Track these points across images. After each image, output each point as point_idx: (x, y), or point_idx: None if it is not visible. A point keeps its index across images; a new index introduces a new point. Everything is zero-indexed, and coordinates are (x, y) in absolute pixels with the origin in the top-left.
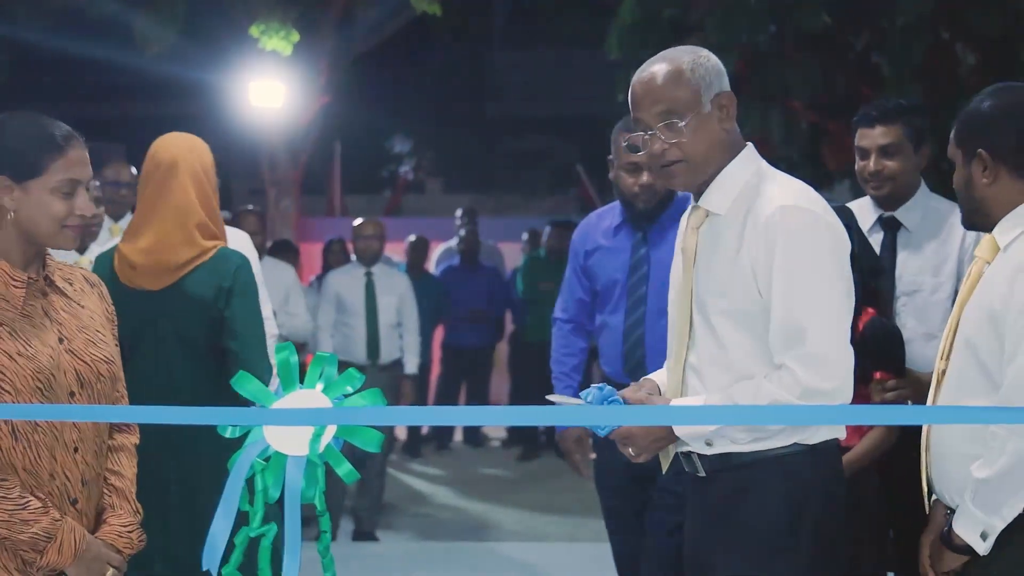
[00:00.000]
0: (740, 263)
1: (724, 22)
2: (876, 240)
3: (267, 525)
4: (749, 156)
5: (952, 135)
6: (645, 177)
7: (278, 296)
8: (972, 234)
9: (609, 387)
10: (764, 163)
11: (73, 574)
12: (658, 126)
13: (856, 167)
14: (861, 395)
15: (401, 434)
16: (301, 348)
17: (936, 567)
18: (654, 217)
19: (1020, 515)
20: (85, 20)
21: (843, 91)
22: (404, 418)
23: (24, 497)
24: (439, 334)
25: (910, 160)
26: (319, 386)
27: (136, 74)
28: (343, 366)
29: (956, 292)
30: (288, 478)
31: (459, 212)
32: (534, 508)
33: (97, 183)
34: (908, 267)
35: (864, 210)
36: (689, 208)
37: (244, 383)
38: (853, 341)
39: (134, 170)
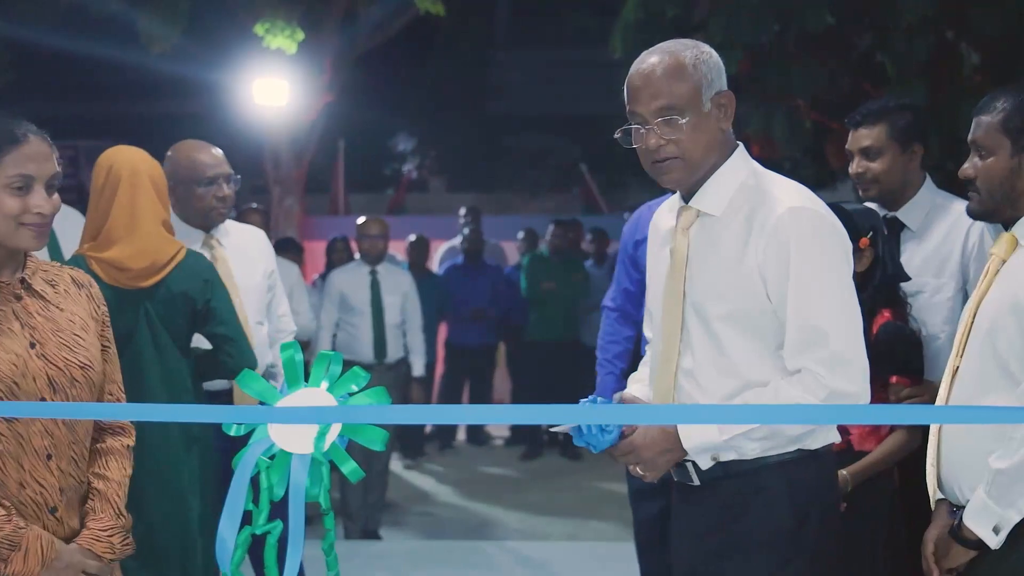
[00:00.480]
0: (744, 265)
1: (727, 21)
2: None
3: (272, 523)
4: (742, 156)
5: (997, 123)
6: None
7: None
8: (975, 233)
9: (604, 399)
10: (756, 163)
11: None
12: (656, 121)
13: (848, 169)
14: (877, 399)
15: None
16: (305, 347)
17: (942, 563)
18: None
19: None
20: (89, 18)
21: (847, 90)
22: (407, 417)
23: None
24: (443, 334)
25: (896, 160)
26: (324, 384)
27: (140, 72)
28: (348, 365)
29: (959, 292)
30: (293, 476)
31: (463, 211)
32: (537, 507)
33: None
34: (910, 268)
35: None
36: (673, 208)
37: (250, 381)
38: (868, 345)
39: None
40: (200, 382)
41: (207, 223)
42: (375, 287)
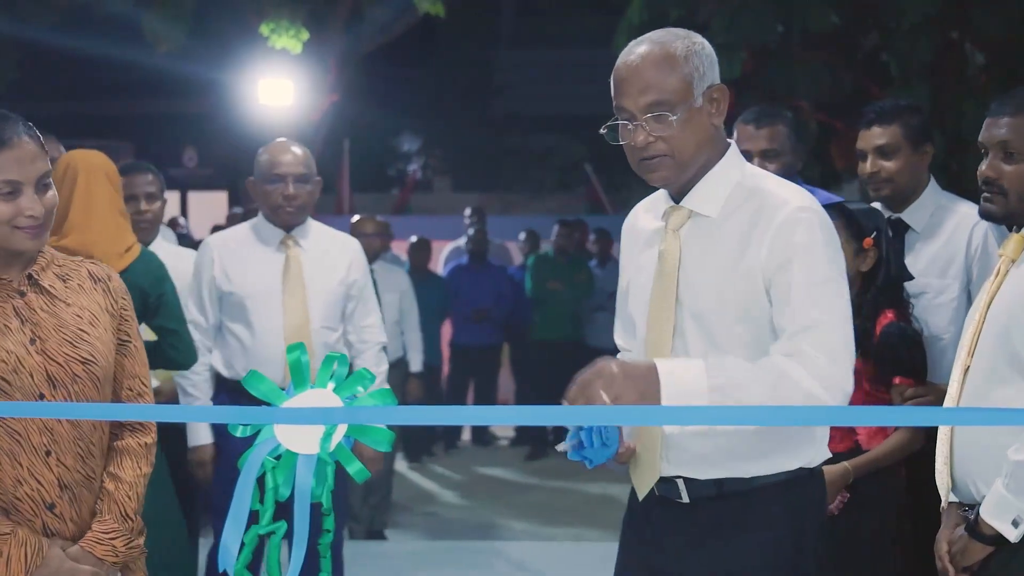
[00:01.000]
0: (744, 266)
1: (731, 22)
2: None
3: (277, 523)
4: (736, 154)
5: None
6: (755, 163)
7: None
8: (979, 234)
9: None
10: (747, 162)
11: None
12: (645, 117)
13: (858, 169)
14: (880, 400)
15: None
16: None
17: (959, 562)
18: None
19: None
20: (94, 18)
21: (851, 91)
22: (413, 418)
23: None
24: (449, 334)
25: (909, 160)
26: (330, 385)
27: (145, 72)
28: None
29: (963, 293)
30: (299, 476)
31: (468, 211)
32: (541, 508)
33: (154, 175)
34: (915, 269)
35: None
36: (655, 209)
37: (256, 383)
38: (871, 345)
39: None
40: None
41: (281, 221)
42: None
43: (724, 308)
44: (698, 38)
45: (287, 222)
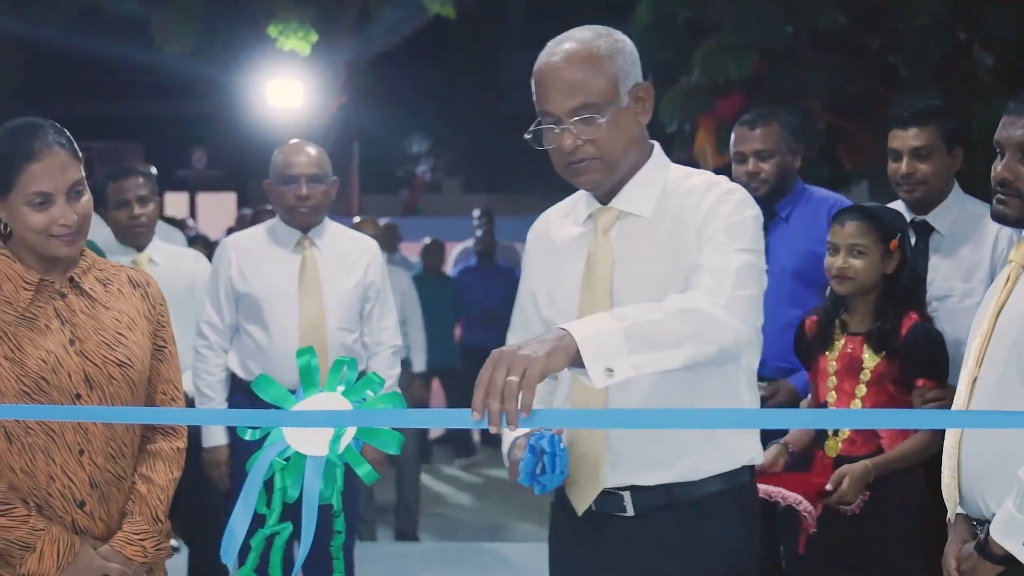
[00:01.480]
0: (682, 258)
1: (740, 23)
2: None
3: (282, 524)
4: (662, 154)
5: None
6: (751, 166)
7: None
8: (1005, 239)
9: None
10: (672, 163)
11: None
12: (571, 121)
13: (888, 169)
14: (905, 404)
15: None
16: None
17: None
18: (771, 208)
19: None
20: (102, 19)
21: (860, 92)
22: (423, 421)
23: (6, 504)
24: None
25: (943, 163)
26: (340, 388)
27: (154, 73)
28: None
29: None
30: (307, 478)
31: (476, 213)
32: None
33: (145, 178)
34: (939, 272)
35: None
36: (571, 214)
37: (265, 386)
38: (897, 345)
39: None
40: None
41: (296, 222)
42: None
43: None
44: (620, 35)
45: (302, 223)
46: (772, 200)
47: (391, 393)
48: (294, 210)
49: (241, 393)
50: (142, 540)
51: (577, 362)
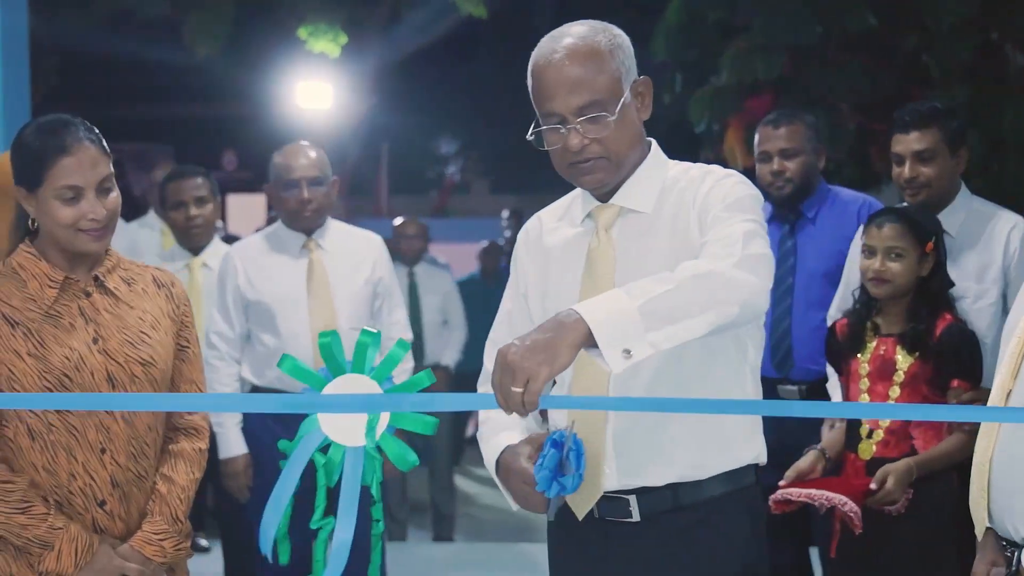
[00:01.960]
0: (687, 247)
1: (770, 23)
2: None
3: (326, 519)
4: (659, 150)
5: None
6: (776, 164)
7: None
8: (1016, 239)
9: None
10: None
11: None
12: (579, 120)
13: (892, 174)
14: (935, 403)
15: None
16: None
17: None
18: (798, 208)
19: None
20: (134, 22)
21: (890, 92)
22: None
23: (26, 501)
24: None
25: (947, 165)
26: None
27: (184, 76)
28: None
29: (1001, 298)
30: (346, 469)
31: (505, 213)
32: None
33: (204, 178)
34: (952, 273)
35: None
36: (567, 216)
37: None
38: (932, 346)
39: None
40: None
41: (299, 226)
42: (413, 288)
43: None
44: (616, 30)
45: (306, 226)
46: (798, 200)
47: (422, 373)
48: (297, 214)
49: None
50: (161, 540)
51: (590, 343)
